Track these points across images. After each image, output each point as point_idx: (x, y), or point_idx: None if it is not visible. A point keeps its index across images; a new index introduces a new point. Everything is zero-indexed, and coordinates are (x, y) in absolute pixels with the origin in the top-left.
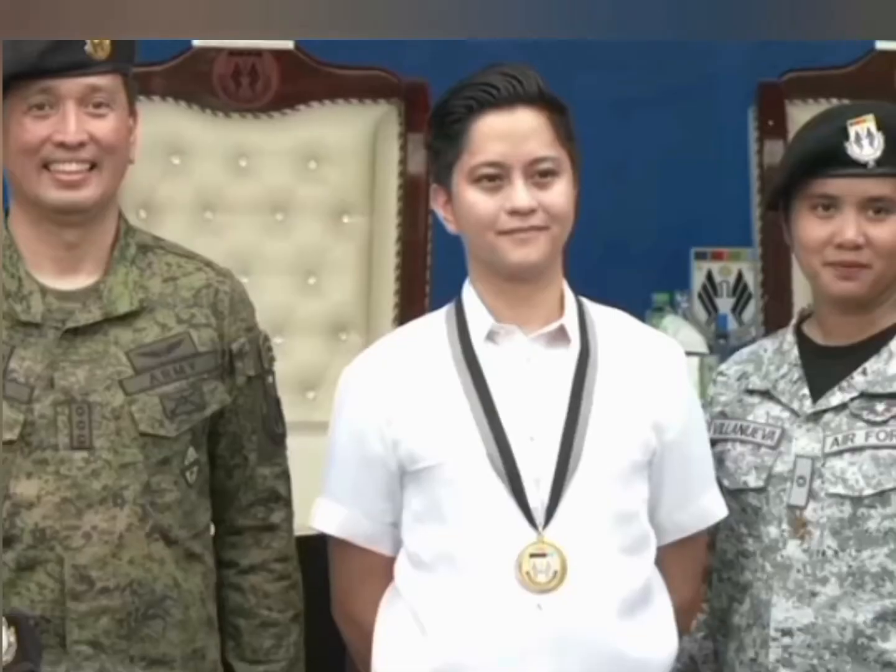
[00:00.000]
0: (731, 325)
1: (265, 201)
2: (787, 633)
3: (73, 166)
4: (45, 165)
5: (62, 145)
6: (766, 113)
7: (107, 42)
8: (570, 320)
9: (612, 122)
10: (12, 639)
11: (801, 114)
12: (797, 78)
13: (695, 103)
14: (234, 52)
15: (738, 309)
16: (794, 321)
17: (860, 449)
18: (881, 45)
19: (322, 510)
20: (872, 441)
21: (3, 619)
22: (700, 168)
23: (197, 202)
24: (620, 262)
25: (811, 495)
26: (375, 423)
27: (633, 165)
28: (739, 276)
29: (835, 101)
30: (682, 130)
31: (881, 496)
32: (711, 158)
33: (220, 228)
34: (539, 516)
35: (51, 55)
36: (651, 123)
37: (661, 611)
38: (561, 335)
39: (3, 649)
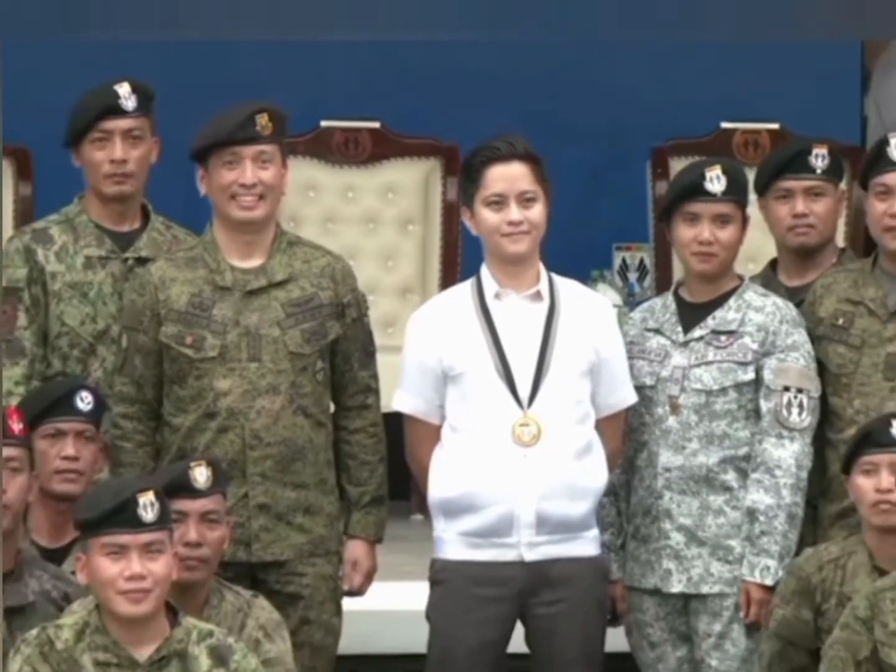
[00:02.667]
0: (637, 289)
1: (363, 217)
2: (668, 470)
3: (249, 198)
4: (233, 197)
5: (243, 186)
6: (657, 164)
7: (271, 125)
8: (543, 286)
9: (573, 173)
10: (209, 473)
11: (678, 164)
12: (675, 143)
13: (617, 161)
14: (344, 130)
15: (640, 280)
16: (672, 287)
17: (710, 363)
18: (725, 124)
19: (399, 398)
20: (718, 358)
21: (203, 462)
22: (619, 197)
23: (323, 217)
24: (573, 252)
25: (682, 390)
26: (429, 347)
27: (584, 197)
28: (641, 261)
29: (697, 158)
30: (611, 177)
31: (723, 390)
32: (626, 193)
33: (337, 233)
34: (525, 402)
35: (236, 132)
36: (598, 177)
37: (598, 458)
38: (538, 296)
39: (203, 480)
